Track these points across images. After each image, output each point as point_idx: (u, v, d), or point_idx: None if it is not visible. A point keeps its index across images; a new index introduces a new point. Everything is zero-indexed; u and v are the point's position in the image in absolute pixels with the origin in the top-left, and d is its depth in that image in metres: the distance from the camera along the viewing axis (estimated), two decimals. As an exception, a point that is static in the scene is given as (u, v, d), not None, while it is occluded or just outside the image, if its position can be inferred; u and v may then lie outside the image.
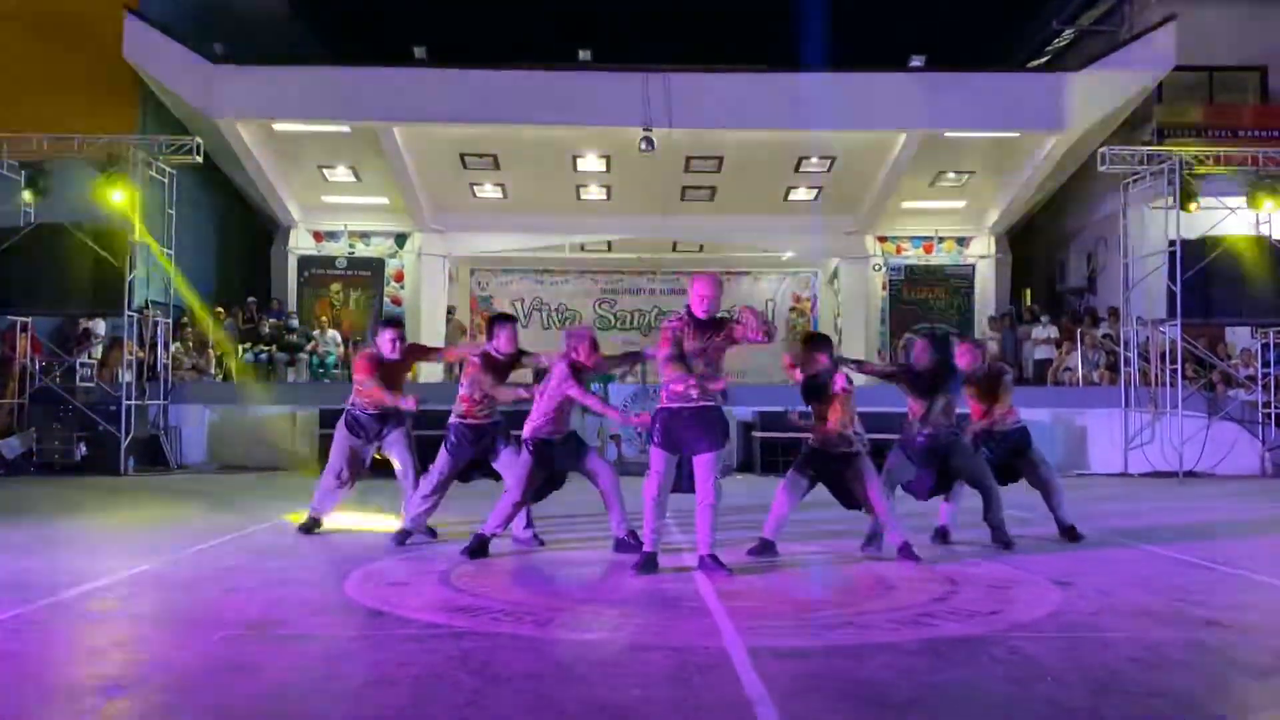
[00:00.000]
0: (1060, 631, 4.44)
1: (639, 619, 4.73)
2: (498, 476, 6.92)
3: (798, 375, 6.50)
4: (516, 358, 6.87)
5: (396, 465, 7.28)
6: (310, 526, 7.29)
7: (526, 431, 6.39)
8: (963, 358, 7.12)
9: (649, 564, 5.75)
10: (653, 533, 5.80)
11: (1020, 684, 3.65)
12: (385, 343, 7.18)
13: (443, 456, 6.82)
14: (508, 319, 6.98)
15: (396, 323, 7.55)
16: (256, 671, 3.74)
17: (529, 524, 6.83)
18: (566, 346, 6.44)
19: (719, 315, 5.81)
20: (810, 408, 6.49)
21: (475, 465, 6.92)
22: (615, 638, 4.38)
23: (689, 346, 5.66)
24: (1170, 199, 13.78)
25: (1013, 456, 7.16)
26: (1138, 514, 9.01)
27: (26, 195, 13.36)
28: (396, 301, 17.75)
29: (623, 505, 6.48)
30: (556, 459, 6.42)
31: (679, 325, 5.71)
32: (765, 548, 6.35)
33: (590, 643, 4.25)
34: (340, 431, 7.29)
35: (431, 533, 7.04)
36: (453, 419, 6.86)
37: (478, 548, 6.29)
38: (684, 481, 6.05)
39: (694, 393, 5.61)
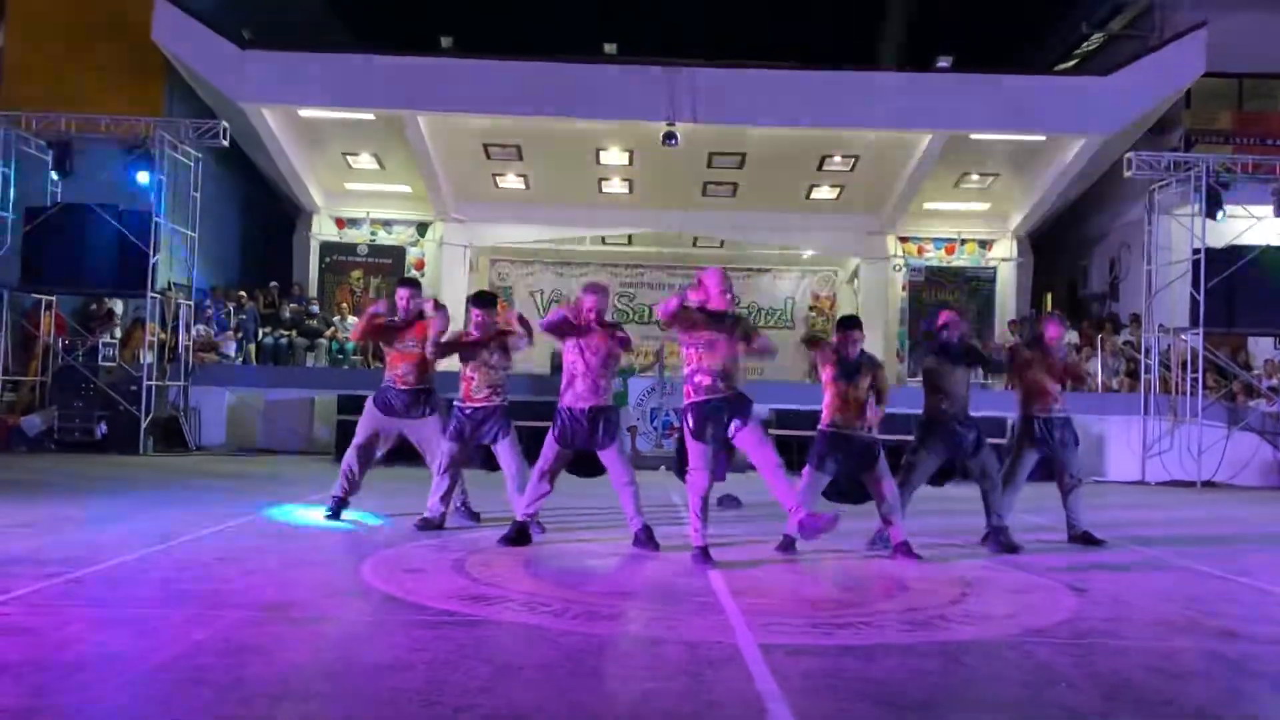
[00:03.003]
0: (1074, 638, 4.42)
1: (652, 612, 4.74)
2: (495, 467, 6.99)
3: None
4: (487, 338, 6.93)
5: (426, 453, 7.32)
6: (337, 510, 7.30)
7: (561, 402, 6.39)
8: (1052, 330, 7.23)
9: (705, 556, 5.82)
10: (701, 527, 5.87)
11: (1033, 689, 3.64)
12: (399, 299, 7.26)
13: (446, 444, 6.90)
14: (484, 299, 7.09)
15: (410, 283, 7.52)
16: (271, 653, 3.76)
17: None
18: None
19: (734, 312, 5.95)
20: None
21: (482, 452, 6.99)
22: (628, 630, 4.39)
23: (704, 335, 5.81)
24: (1196, 206, 13.67)
25: (1062, 447, 7.11)
26: (1155, 522, 8.95)
27: (54, 175, 13.47)
28: (416, 289, 17.78)
29: (637, 500, 6.44)
30: (580, 434, 6.29)
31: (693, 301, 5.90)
32: (790, 544, 6.34)
33: (603, 635, 4.26)
34: (368, 408, 7.34)
35: (475, 516, 7.27)
36: (455, 402, 6.93)
37: (516, 535, 6.32)
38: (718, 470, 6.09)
39: (720, 384, 5.73)
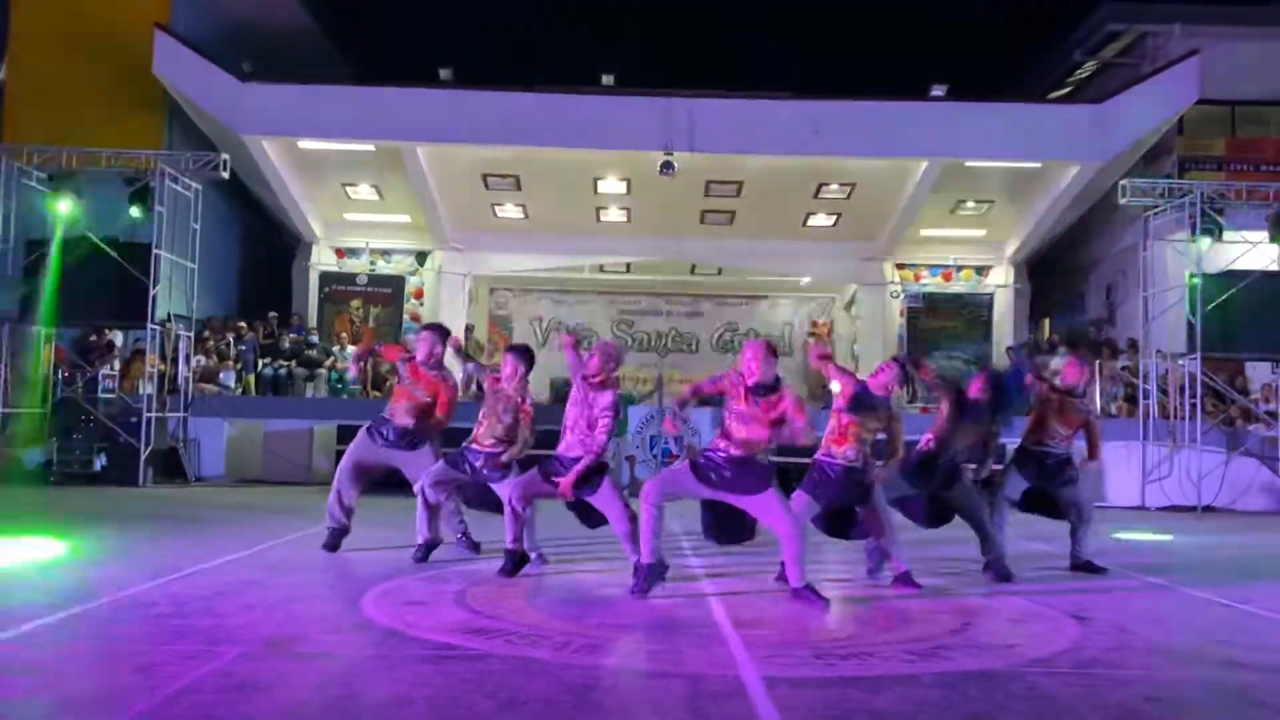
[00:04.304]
0: (1077, 667, 4.42)
1: (654, 645, 4.73)
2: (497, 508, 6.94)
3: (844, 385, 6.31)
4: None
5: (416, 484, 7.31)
6: (331, 541, 7.27)
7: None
8: (1071, 373, 7.20)
9: (655, 573, 5.80)
10: (650, 534, 5.79)
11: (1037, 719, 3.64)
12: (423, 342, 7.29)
13: (439, 463, 6.97)
14: (523, 353, 6.99)
15: (435, 328, 7.48)
16: (274, 689, 3.76)
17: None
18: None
19: (772, 382, 5.69)
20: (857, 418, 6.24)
21: (480, 493, 6.97)
22: (631, 664, 4.38)
23: (739, 408, 5.68)
24: (1191, 232, 13.75)
25: (1059, 484, 7.10)
26: (1155, 549, 8.94)
27: (54, 207, 13.51)
28: (415, 319, 17.86)
29: (636, 538, 6.39)
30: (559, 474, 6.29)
31: (733, 380, 5.74)
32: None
33: (606, 668, 4.26)
34: (360, 434, 7.37)
35: (476, 547, 7.25)
36: (465, 442, 6.93)
37: (513, 565, 6.36)
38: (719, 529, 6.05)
39: (734, 450, 5.68)
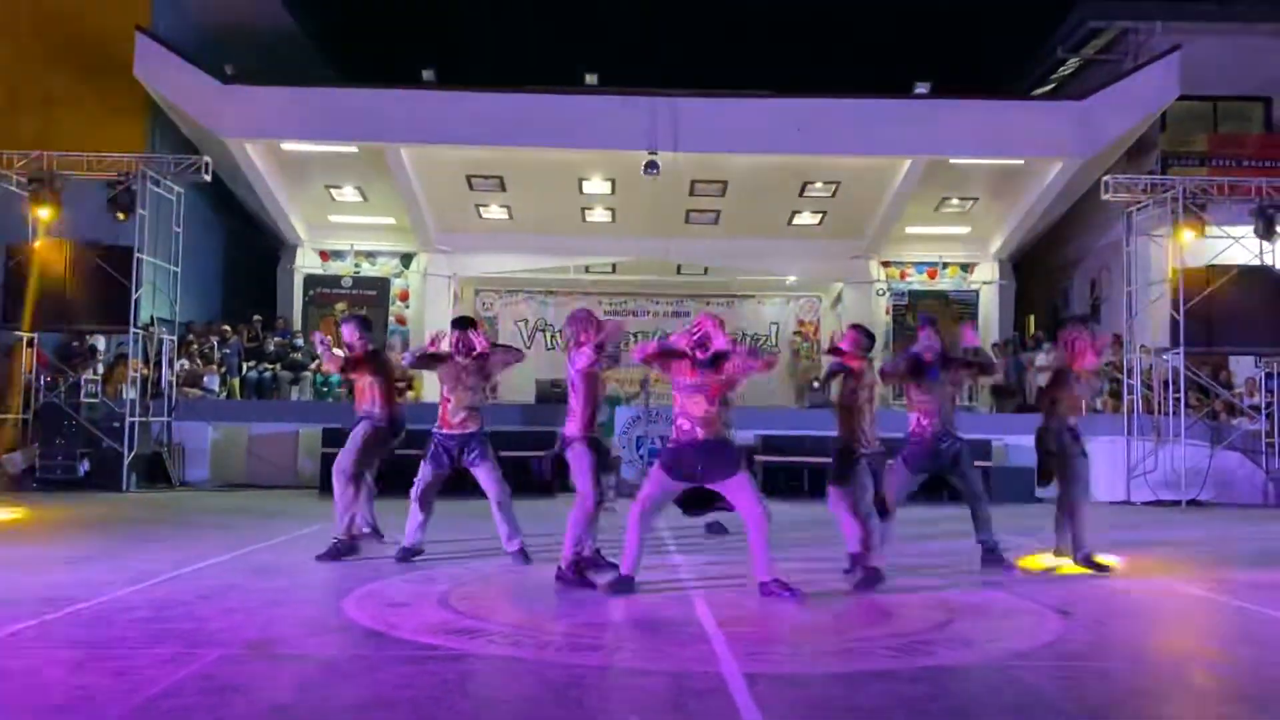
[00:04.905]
0: (1059, 661, 4.42)
1: (636, 643, 4.72)
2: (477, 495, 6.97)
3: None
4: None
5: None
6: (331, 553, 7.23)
7: (574, 431, 6.35)
8: (1085, 348, 7.22)
9: (624, 585, 5.75)
10: (635, 549, 5.78)
11: (1018, 713, 3.64)
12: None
13: (422, 466, 6.92)
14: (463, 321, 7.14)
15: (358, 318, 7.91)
16: (254, 692, 3.74)
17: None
18: (572, 334, 6.42)
19: (718, 352, 5.74)
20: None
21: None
22: (612, 662, 4.37)
23: (689, 379, 5.68)
24: (1174, 227, 13.81)
25: (1080, 455, 7.11)
26: (1140, 543, 8.97)
27: (35, 211, 13.43)
28: (401, 321, 17.82)
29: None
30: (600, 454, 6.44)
31: (679, 363, 5.76)
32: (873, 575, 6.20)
33: (587, 667, 4.24)
34: None
35: (379, 535, 7.25)
36: (434, 429, 6.94)
37: (580, 573, 6.12)
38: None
39: (700, 432, 5.65)
